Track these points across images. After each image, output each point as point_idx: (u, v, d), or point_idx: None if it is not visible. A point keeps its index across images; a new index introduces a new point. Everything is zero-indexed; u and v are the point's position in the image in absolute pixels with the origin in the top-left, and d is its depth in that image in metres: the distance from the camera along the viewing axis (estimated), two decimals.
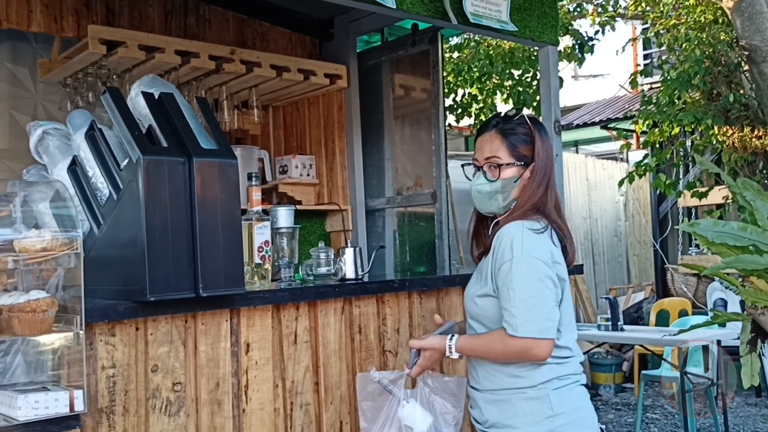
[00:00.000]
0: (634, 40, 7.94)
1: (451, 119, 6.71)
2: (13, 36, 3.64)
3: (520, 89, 6.41)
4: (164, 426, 1.96)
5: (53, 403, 1.70)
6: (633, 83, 7.00)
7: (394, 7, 2.70)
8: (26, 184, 2.17)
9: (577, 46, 6.33)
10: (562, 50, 6.24)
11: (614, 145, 10.31)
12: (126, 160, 1.96)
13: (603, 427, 2.08)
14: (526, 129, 1.95)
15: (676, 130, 6.35)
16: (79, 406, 1.74)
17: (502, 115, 2.03)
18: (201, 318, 2.05)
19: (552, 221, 1.92)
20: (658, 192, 8.02)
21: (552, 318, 1.83)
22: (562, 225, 1.95)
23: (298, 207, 3.69)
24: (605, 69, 11.49)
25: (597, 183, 9.26)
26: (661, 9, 6.53)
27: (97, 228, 2.08)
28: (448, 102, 6.67)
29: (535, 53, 6.08)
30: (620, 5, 7.20)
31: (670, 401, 5.72)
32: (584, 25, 7.03)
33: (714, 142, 6.23)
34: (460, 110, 6.77)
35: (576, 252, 2.06)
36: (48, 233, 1.80)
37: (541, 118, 3.59)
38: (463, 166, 2.04)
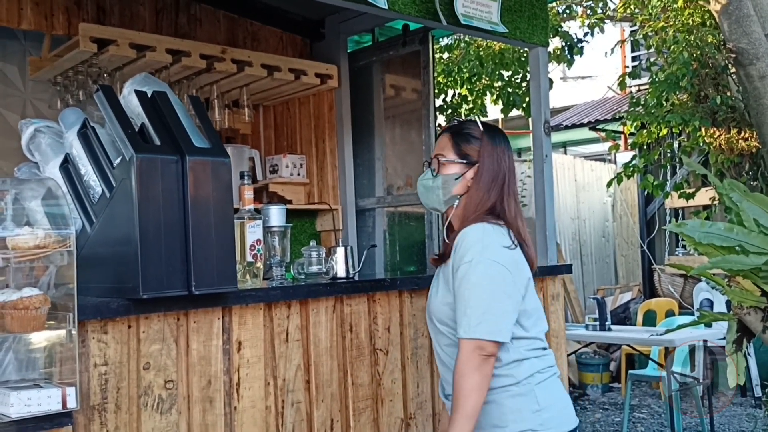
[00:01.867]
0: (622, 42, 8.00)
1: (441, 120, 6.73)
2: (2, 33, 3.62)
3: (510, 90, 6.44)
4: (156, 423, 1.97)
5: (46, 400, 1.70)
6: (621, 85, 7.05)
7: (386, 7, 2.71)
8: (17, 181, 2.16)
9: (566, 48, 6.36)
10: (552, 52, 6.27)
11: (602, 147, 10.38)
12: (119, 159, 1.96)
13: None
14: (475, 131, 2.02)
15: (664, 131, 6.41)
16: (72, 404, 1.74)
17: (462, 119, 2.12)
18: (193, 316, 2.05)
19: (510, 225, 1.95)
20: (645, 193, 8.09)
21: (507, 320, 1.85)
22: (523, 231, 1.97)
23: (289, 206, 3.69)
24: (594, 71, 11.56)
25: (585, 184, 9.32)
26: (650, 11, 6.58)
27: (89, 226, 2.08)
28: (439, 102, 6.69)
29: (525, 54, 6.11)
30: (609, 7, 7.25)
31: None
32: (573, 27, 7.08)
33: (701, 144, 6.29)
34: (450, 111, 6.80)
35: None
36: (41, 231, 1.80)
37: (530, 119, 3.61)
38: (423, 164, 2.12)
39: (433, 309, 2.00)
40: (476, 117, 2.17)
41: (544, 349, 1.97)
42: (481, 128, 2.02)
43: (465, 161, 1.99)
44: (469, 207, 1.97)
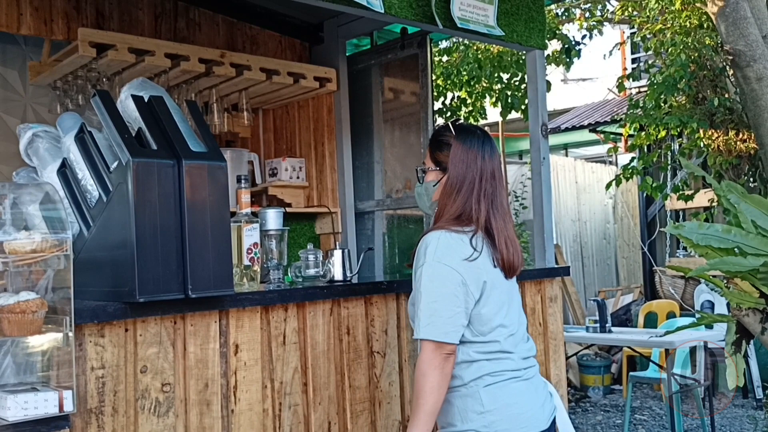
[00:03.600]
0: (621, 44, 8.01)
1: (440, 122, 6.75)
2: (2, 38, 3.64)
3: (509, 93, 6.46)
4: (153, 426, 1.98)
5: (42, 404, 1.71)
6: (620, 87, 7.06)
7: (382, 11, 2.73)
8: (16, 186, 2.18)
9: (564, 50, 6.38)
10: (550, 54, 6.29)
11: (603, 148, 10.38)
12: (115, 163, 1.97)
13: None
14: (447, 137, 2.08)
15: (663, 133, 6.41)
16: (69, 407, 1.75)
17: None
18: (190, 319, 2.06)
19: (481, 229, 1.99)
20: (646, 195, 8.09)
21: (455, 323, 1.91)
22: (499, 236, 2.01)
23: (288, 209, 3.71)
24: (595, 73, 11.58)
25: (586, 186, 9.33)
26: (648, 14, 6.59)
27: (86, 230, 2.10)
28: (437, 105, 6.70)
29: (523, 57, 6.12)
30: (608, 10, 7.27)
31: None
32: (572, 30, 7.10)
33: (700, 146, 6.29)
34: (449, 113, 6.82)
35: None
36: (38, 235, 1.81)
37: (528, 122, 3.62)
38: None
39: (408, 307, 2.13)
40: (455, 120, 2.20)
41: (502, 352, 1.98)
42: (453, 132, 2.07)
43: (439, 168, 2.09)
44: (439, 212, 2.05)
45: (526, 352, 2.06)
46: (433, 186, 2.09)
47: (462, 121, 2.27)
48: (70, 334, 1.78)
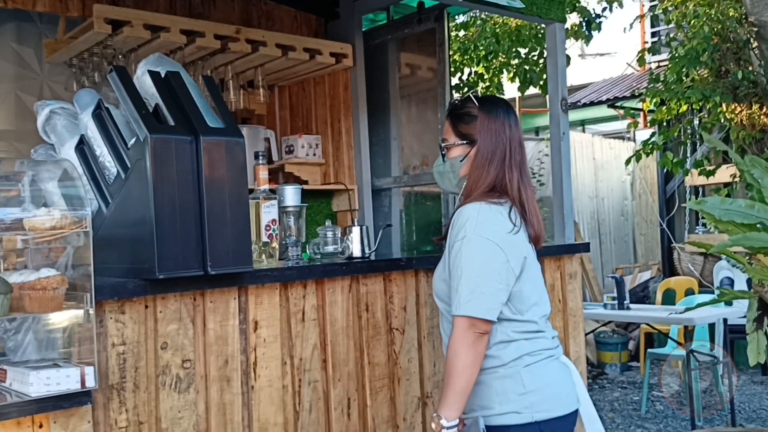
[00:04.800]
0: (641, 17, 7.87)
1: (457, 98, 6.69)
2: (18, 16, 3.63)
3: (527, 67, 6.37)
4: (174, 402, 1.98)
5: (65, 380, 1.71)
6: (640, 61, 6.96)
7: None
8: (34, 163, 2.18)
9: (584, 24, 6.28)
10: (569, 28, 6.19)
11: (621, 124, 10.27)
12: (133, 139, 1.96)
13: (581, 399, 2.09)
14: (471, 109, 2.02)
15: (684, 108, 6.32)
16: (90, 383, 1.75)
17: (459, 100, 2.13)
18: (209, 296, 2.06)
19: (514, 200, 1.95)
20: (665, 171, 8.00)
21: (496, 300, 1.85)
22: (529, 205, 1.97)
23: (305, 187, 3.68)
24: (613, 47, 11.42)
25: (604, 162, 9.24)
26: None
27: (105, 207, 2.09)
28: (455, 81, 6.64)
29: (542, 31, 6.03)
30: None
31: (669, 400, 5.75)
32: (591, 2, 6.98)
33: (722, 120, 6.19)
34: (466, 89, 6.75)
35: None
36: (57, 212, 1.81)
37: (547, 97, 3.57)
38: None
39: (433, 285, 2.06)
40: (474, 93, 2.16)
41: (538, 332, 1.96)
42: (477, 104, 2.02)
43: (466, 141, 2.01)
44: (471, 185, 1.98)
45: (553, 331, 2.04)
46: (461, 161, 2.02)
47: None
48: (91, 310, 1.78)
